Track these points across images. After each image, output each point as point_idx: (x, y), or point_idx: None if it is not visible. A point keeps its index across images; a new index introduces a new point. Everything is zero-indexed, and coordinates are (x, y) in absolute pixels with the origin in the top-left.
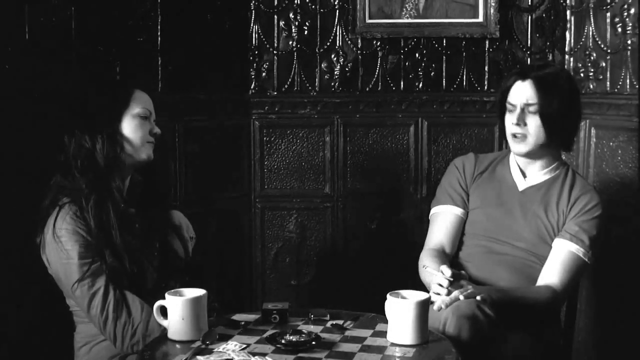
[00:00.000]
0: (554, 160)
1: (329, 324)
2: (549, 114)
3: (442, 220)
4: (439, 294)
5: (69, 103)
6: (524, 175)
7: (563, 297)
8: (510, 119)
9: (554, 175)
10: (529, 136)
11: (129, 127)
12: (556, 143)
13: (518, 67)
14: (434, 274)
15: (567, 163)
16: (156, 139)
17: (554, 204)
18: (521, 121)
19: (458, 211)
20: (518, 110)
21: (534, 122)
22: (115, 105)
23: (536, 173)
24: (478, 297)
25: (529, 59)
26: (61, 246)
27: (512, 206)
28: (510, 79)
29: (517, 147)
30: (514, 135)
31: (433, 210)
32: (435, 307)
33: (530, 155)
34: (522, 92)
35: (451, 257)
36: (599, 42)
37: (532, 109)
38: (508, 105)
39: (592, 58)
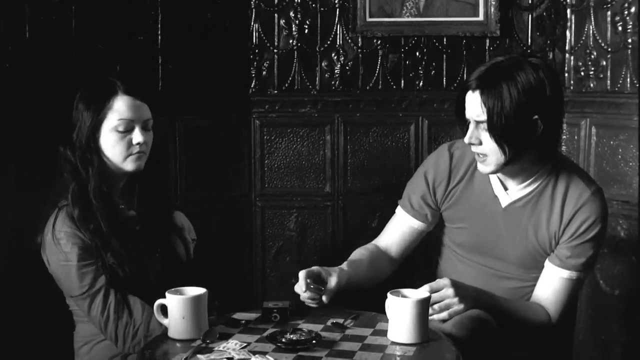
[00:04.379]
0: (535, 171)
1: (329, 323)
2: (502, 131)
3: (399, 226)
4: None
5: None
6: (505, 188)
7: (558, 320)
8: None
9: (540, 187)
10: (488, 156)
11: (107, 142)
12: (530, 154)
13: (472, 72)
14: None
15: (561, 162)
16: (146, 147)
17: (544, 225)
18: (475, 139)
19: (416, 224)
20: (472, 126)
21: (488, 141)
22: (88, 121)
23: (517, 187)
24: (457, 307)
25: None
26: (60, 248)
27: (497, 225)
28: (464, 87)
29: (480, 167)
30: (476, 154)
31: (397, 209)
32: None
33: (502, 172)
34: (471, 106)
35: (397, 263)
36: (600, 41)
37: (483, 126)
38: (467, 118)
39: (592, 57)
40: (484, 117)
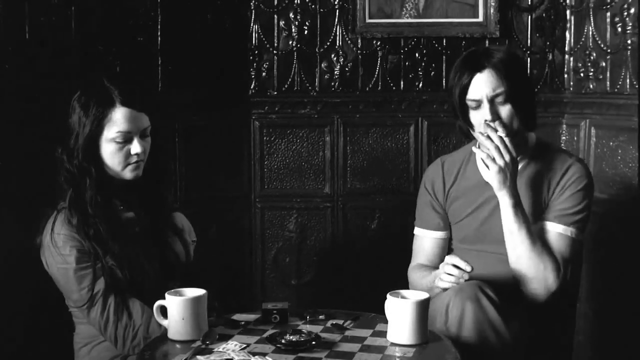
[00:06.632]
0: (523, 148)
1: (329, 324)
2: (519, 97)
3: (426, 242)
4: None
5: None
6: None
7: (563, 277)
8: (480, 116)
9: (524, 164)
10: (506, 128)
11: (106, 151)
12: (522, 126)
13: (466, 62)
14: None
15: (540, 142)
16: (144, 155)
17: (533, 197)
18: (494, 115)
19: (438, 235)
20: (486, 103)
21: (505, 111)
22: (85, 130)
23: None
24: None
25: (529, 59)
26: (58, 251)
27: (492, 208)
28: (464, 76)
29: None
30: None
31: (415, 230)
32: (442, 285)
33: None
34: (485, 84)
35: None
36: (599, 42)
37: (500, 98)
38: (470, 103)
39: (592, 58)
40: (502, 88)
